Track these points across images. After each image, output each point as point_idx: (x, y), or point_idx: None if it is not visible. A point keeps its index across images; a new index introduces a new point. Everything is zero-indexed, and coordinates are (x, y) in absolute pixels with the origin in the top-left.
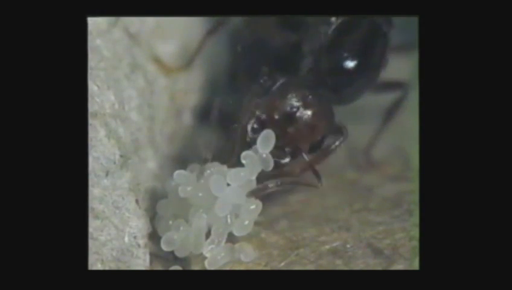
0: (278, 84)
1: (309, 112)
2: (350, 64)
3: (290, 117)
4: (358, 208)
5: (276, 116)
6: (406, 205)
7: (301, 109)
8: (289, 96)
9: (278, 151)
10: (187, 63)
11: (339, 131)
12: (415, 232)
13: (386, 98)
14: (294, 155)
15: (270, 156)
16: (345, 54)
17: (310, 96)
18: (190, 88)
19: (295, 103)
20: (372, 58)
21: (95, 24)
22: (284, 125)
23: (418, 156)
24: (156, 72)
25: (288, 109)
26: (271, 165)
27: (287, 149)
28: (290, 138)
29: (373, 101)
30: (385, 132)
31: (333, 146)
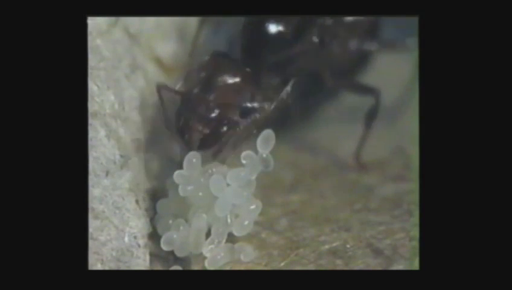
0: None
1: (225, 77)
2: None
3: (207, 84)
4: (358, 208)
5: (195, 90)
6: (406, 205)
7: (216, 75)
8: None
9: (210, 122)
10: (186, 59)
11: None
12: (415, 232)
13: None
14: (229, 124)
15: (270, 156)
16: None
17: (221, 59)
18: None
19: (208, 70)
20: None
21: (95, 24)
22: (204, 94)
23: (418, 156)
24: (156, 72)
25: (202, 75)
26: (271, 164)
27: (215, 115)
28: (215, 104)
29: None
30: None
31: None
